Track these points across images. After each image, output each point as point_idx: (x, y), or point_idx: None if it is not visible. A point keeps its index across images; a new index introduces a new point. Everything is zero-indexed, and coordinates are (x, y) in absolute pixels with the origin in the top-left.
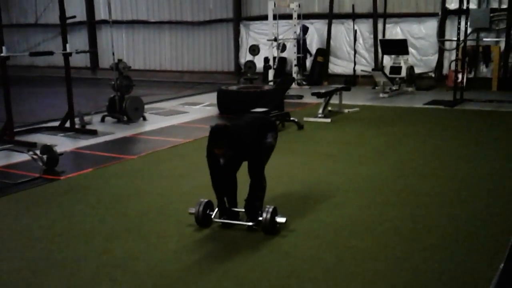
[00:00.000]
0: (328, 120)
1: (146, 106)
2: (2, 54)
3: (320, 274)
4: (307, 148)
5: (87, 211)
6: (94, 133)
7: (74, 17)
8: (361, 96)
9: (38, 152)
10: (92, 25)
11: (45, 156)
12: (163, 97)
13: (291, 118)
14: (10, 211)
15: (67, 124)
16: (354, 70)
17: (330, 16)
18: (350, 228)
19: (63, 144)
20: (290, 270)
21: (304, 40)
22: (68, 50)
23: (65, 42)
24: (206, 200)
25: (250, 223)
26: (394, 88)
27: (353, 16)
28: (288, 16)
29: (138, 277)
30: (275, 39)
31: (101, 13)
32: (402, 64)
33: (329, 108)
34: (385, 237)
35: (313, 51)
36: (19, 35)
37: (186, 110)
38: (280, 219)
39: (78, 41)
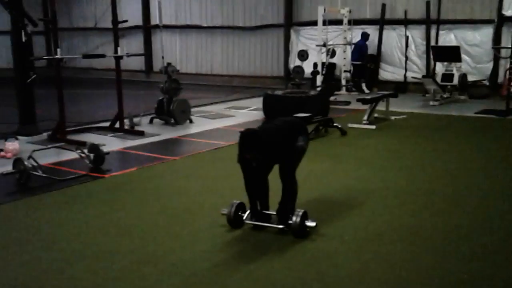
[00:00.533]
0: (373, 127)
1: (194, 109)
2: (56, 56)
3: (345, 279)
4: (347, 154)
5: (128, 208)
6: (141, 134)
7: (125, 21)
8: (411, 103)
9: (85, 150)
10: (147, 29)
11: (92, 155)
12: (211, 101)
13: (334, 124)
14: (54, 204)
15: (117, 125)
16: (405, 77)
17: (382, 22)
18: (381, 235)
19: (111, 143)
20: (314, 273)
21: (364, 46)
22: (119, 53)
23: (116, 45)
24: (238, 201)
25: (280, 226)
26: (445, 95)
27: (405, 22)
28: (339, 22)
29: (166, 274)
30: (324, 45)
31: (156, 18)
32: (455, 72)
33: (376, 115)
34: (416, 246)
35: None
36: (79, 38)
37: (232, 114)
38: (310, 223)
39: (134, 44)
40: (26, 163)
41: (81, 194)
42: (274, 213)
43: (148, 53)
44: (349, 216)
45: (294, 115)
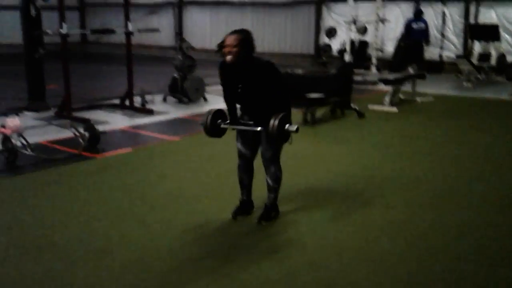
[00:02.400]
0: (395, 109)
1: (212, 87)
2: (61, 31)
3: (327, 277)
4: (360, 138)
5: (107, 192)
6: (150, 112)
7: None
8: (443, 85)
9: (81, 129)
10: (179, 6)
11: (86, 133)
12: None
13: (352, 106)
14: (33, 185)
15: (128, 102)
16: (441, 56)
17: None
18: (382, 229)
19: (116, 121)
20: (307, 263)
21: (416, 27)
22: (130, 29)
23: (127, 20)
24: (216, 109)
25: (258, 128)
26: (480, 77)
27: None
28: None
29: (122, 265)
30: (354, 22)
31: None
32: (492, 52)
33: (401, 96)
34: (418, 241)
35: (397, 35)
36: (111, 13)
37: None
38: (291, 127)
39: (165, 20)
40: (14, 141)
41: (63, 175)
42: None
43: (157, 29)
44: (347, 206)
45: (307, 95)
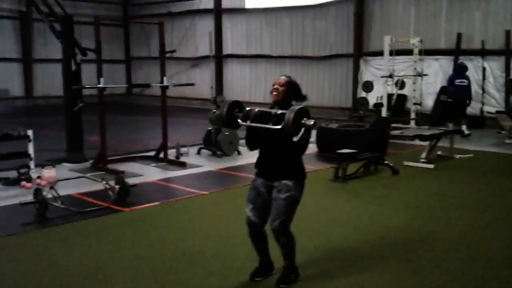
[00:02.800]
0: (431, 166)
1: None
2: (99, 85)
3: None
4: (392, 196)
5: (128, 248)
6: (183, 165)
7: (173, 51)
8: (484, 141)
9: (111, 182)
10: (219, 59)
11: (117, 187)
12: None
13: (385, 162)
14: (58, 239)
15: (162, 155)
16: (482, 111)
17: (457, 52)
18: None
19: (149, 174)
20: None
21: (459, 83)
22: (165, 83)
23: (162, 75)
24: (233, 99)
25: (278, 127)
26: None
27: (482, 52)
28: (410, 52)
29: None
30: (391, 76)
31: (228, 48)
32: None
33: (439, 153)
34: None
35: (436, 89)
36: (156, 67)
37: None
38: (308, 121)
39: (206, 73)
40: (44, 193)
41: (89, 228)
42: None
43: (192, 84)
44: (361, 272)
45: (338, 151)
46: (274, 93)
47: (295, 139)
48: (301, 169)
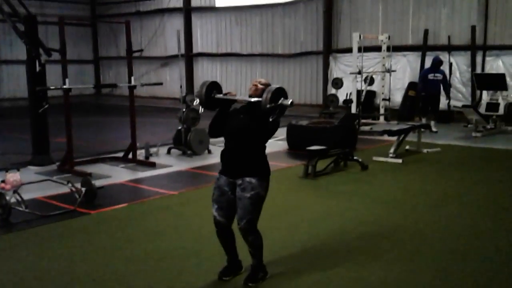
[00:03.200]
0: (400, 161)
1: (217, 139)
2: (64, 86)
3: None
4: (361, 191)
5: (95, 251)
6: (152, 165)
7: (141, 50)
8: (451, 134)
9: (78, 184)
10: (189, 57)
11: (83, 189)
12: None
13: (354, 158)
14: (23, 243)
15: (131, 155)
16: (449, 106)
17: (424, 48)
18: None
19: (118, 175)
20: None
21: (432, 77)
22: (132, 83)
23: (130, 75)
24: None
25: (253, 99)
26: (489, 126)
27: (449, 48)
28: (379, 48)
29: None
30: (360, 72)
31: (198, 47)
32: (500, 101)
33: (407, 147)
34: None
35: (405, 85)
36: (126, 66)
37: None
38: (286, 101)
39: (176, 72)
40: (8, 197)
41: (54, 232)
42: None
43: (160, 83)
44: (330, 267)
45: (308, 148)
46: (253, 88)
47: (271, 118)
48: (265, 165)
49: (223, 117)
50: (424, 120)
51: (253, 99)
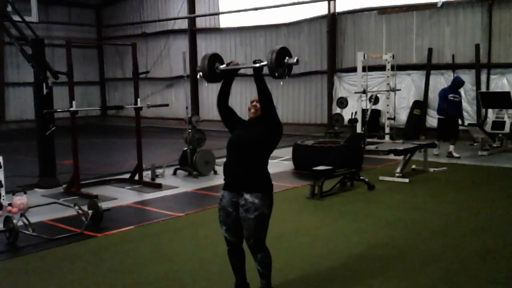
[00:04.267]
0: (406, 180)
1: (223, 160)
2: (71, 109)
3: None
4: (368, 212)
5: (101, 275)
6: (159, 186)
7: (147, 72)
8: (457, 153)
9: (84, 207)
10: (194, 78)
11: (90, 212)
12: None
13: (361, 177)
14: (30, 268)
15: (137, 177)
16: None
17: (429, 67)
18: None
19: (124, 197)
20: None
21: (453, 98)
22: (138, 104)
23: (136, 96)
24: (211, 53)
25: (257, 65)
26: (495, 145)
27: (453, 66)
28: (383, 68)
29: None
30: (364, 91)
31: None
32: (506, 119)
33: (413, 166)
34: None
35: (410, 103)
36: (131, 87)
37: None
38: (291, 60)
39: (181, 93)
40: (15, 221)
41: (60, 256)
42: None
43: (166, 104)
44: None
45: (314, 168)
46: (252, 110)
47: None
48: (267, 180)
49: (229, 87)
50: (449, 145)
51: (257, 65)
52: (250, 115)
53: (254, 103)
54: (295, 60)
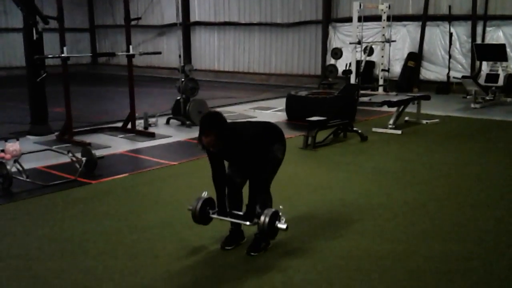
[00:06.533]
0: (399, 132)
1: (216, 110)
2: (63, 55)
3: None
4: (360, 162)
5: (97, 221)
6: (152, 135)
7: (139, 18)
8: (450, 106)
9: (78, 154)
10: (187, 26)
11: (84, 159)
12: (237, 101)
13: (354, 129)
14: (25, 213)
15: (130, 125)
16: (448, 77)
17: (424, 18)
18: (362, 262)
19: (117, 145)
20: None
21: None
22: (131, 51)
23: (128, 43)
24: (206, 196)
25: (247, 223)
26: (488, 98)
27: (450, 18)
28: (378, 18)
29: None
30: (359, 42)
31: (195, 15)
32: (500, 72)
33: (407, 118)
34: (398, 279)
35: (404, 55)
36: (122, 35)
37: (255, 115)
38: (281, 225)
39: (173, 41)
40: (9, 167)
41: (55, 202)
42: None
43: (159, 52)
44: (333, 236)
45: (307, 118)
46: (211, 149)
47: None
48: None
49: (222, 169)
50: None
51: (248, 223)
52: (212, 150)
53: (210, 147)
54: (285, 226)
